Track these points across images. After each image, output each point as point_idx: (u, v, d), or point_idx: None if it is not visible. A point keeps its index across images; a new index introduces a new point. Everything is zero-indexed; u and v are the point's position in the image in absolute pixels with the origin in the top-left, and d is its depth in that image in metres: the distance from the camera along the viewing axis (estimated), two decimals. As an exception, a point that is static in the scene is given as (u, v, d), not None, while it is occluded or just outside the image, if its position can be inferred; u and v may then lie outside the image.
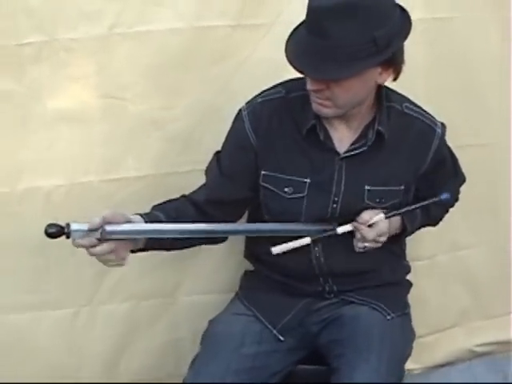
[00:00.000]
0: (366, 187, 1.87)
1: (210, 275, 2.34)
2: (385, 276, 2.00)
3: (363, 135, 1.85)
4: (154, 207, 1.82)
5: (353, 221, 1.86)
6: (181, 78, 2.11)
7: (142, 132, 2.13)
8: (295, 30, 1.77)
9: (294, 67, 1.71)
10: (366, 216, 1.83)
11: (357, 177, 1.86)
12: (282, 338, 1.91)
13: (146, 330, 2.32)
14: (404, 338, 1.93)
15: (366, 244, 1.85)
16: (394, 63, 1.72)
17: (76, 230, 1.59)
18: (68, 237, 1.59)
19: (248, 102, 1.90)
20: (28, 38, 1.95)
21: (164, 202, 1.86)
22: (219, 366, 1.79)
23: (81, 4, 1.97)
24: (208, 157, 2.15)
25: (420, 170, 1.92)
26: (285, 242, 1.84)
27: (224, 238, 1.94)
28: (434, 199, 1.89)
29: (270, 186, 1.87)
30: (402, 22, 1.71)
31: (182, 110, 2.14)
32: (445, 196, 1.89)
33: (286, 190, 1.86)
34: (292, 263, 1.90)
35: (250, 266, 2.15)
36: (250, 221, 2.02)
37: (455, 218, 2.27)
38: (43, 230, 1.58)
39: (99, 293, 2.23)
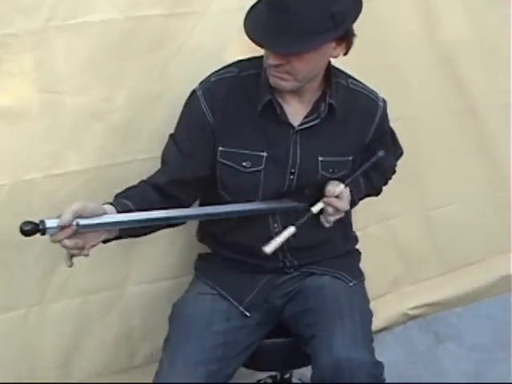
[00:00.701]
0: (320, 158, 1.92)
1: (156, 263, 2.31)
2: (339, 247, 2.06)
3: (315, 109, 1.91)
4: (118, 195, 1.79)
5: (316, 197, 1.90)
6: (118, 68, 2.06)
7: (82, 125, 2.06)
8: (253, 7, 1.81)
9: (256, 42, 1.75)
10: (332, 189, 1.88)
11: (310, 148, 1.91)
12: (248, 314, 1.93)
13: (98, 325, 2.27)
14: (367, 303, 1.99)
15: (337, 216, 1.90)
16: (347, 38, 1.77)
17: (51, 227, 1.55)
18: (43, 233, 1.55)
19: (201, 82, 1.92)
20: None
21: (126, 190, 1.83)
22: (193, 345, 1.80)
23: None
24: (148, 146, 2.16)
25: (364, 141, 2.00)
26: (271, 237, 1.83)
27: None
28: (373, 158, 1.94)
29: (228, 162, 1.89)
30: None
31: (121, 100, 2.09)
32: (381, 153, 1.95)
33: (244, 164, 1.88)
34: (252, 241, 1.90)
35: (201, 249, 2.15)
36: (203, 199, 2.00)
37: (384, 189, 2.32)
38: (18, 228, 1.53)
39: (48, 291, 2.16)
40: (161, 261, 2.31)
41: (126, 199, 1.75)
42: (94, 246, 1.67)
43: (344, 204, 1.90)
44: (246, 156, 1.89)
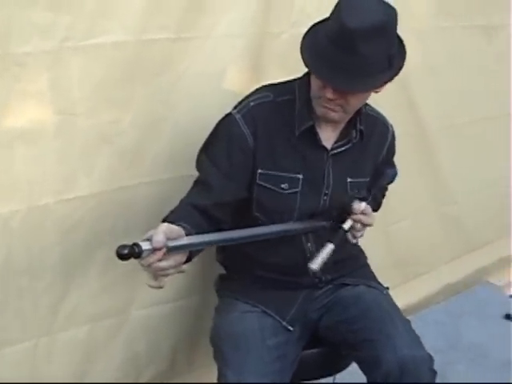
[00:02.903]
0: (348, 180, 1.92)
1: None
2: (360, 259, 2.07)
3: (345, 134, 1.90)
4: (171, 218, 1.66)
5: (340, 215, 1.85)
6: (127, 91, 1.92)
7: (92, 148, 1.91)
8: (310, 37, 1.76)
9: (321, 79, 1.71)
10: (357, 207, 1.83)
11: (341, 171, 1.91)
12: (291, 329, 1.88)
13: (104, 351, 2.11)
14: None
15: (363, 232, 1.86)
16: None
17: (146, 250, 1.44)
18: (138, 256, 1.45)
19: (237, 106, 1.86)
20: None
21: (174, 212, 1.71)
22: (255, 359, 1.75)
23: (32, 17, 1.71)
24: (153, 169, 2.05)
25: (378, 163, 2.00)
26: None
27: None
28: (387, 178, 1.97)
29: (266, 184, 1.84)
30: (400, 41, 1.78)
31: (128, 123, 1.96)
32: (393, 171, 1.98)
33: (282, 186, 1.85)
34: (287, 260, 1.87)
35: (208, 270, 2.09)
36: (235, 220, 1.86)
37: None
38: (116, 251, 1.43)
39: (57, 321, 1.97)
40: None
41: (183, 222, 1.61)
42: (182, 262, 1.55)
43: (370, 219, 1.86)
44: (284, 178, 1.85)
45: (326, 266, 1.85)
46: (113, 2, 1.83)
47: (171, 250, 1.51)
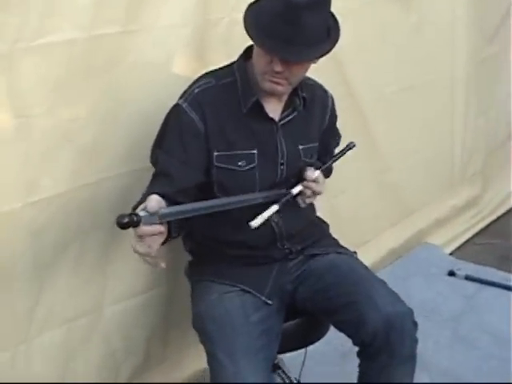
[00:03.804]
0: (300, 146, 1.98)
1: (128, 280, 2.15)
2: (323, 228, 2.13)
3: (289, 103, 1.95)
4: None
5: (297, 182, 1.93)
6: (81, 87, 1.89)
7: (53, 148, 1.88)
8: (251, 14, 1.80)
9: (267, 51, 1.75)
10: (311, 174, 1.91)
11: (292, 139, 1.97)
12: (270, 302, 1.90)
13: (82, 350, 2.09)
14: None
15: (313, 199, 1.95)
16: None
17: (144, 216, 1.53)
18: (137, 225, 1.52)
19: (182, 95, 1.88)
20: None
21: (139, 204, 1.69)
22: (242, 337, 1.77)
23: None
24: (113, 163, 2.03)
25: (323, 128, 2.07)
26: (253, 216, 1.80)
27: None
28: (346, 148, 2.06)
29: (224, 165, 1.87)
30: (333, 16, 1.85)
31: (85, 119, 1.93)
32: (352, 144, 2.06)
33: (239, 163, 1.88)
34: (255, 235, 1.86)
35: (180, 258, 2.09)
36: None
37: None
38: (116, 221, 1.48)
39: (33, 326, 1.94)
40: (132, 277, 2.15)
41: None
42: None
43: (321, 188, 1.94)
44: (240, 156, 1.88)
45: (289, 236, 1.95)
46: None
47: (164, 217, 1.58)
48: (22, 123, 1.79)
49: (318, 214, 2.16)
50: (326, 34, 1.78)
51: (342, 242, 2.18)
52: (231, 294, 1.89)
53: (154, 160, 1.88)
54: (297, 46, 1.72)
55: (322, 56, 1.80)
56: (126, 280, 2.14)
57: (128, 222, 1.49)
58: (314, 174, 1.92)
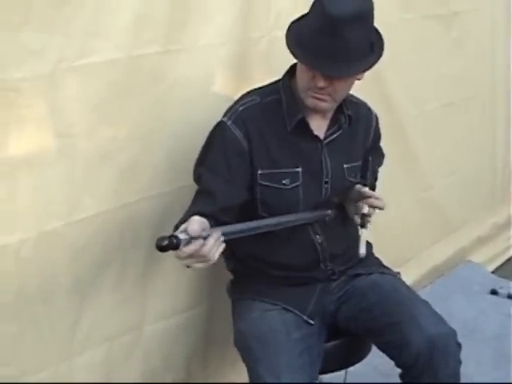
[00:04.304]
0: (345, 165, 1.95)
1: (169, 298, 2.13)
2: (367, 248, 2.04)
3: (334, 121, 1.93)
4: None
5: (343, 201, 1.95)
6: (122, 107, 1.89)
7: (94, 167, 1.87)
8: (293, 30, 1.79)
9: (311, 67, 1.73)
10: (369, 192, 1.89)
11: (336, 158, 1.93)
12: (312, 322, 1.88)
13: (122, 368, 2.07)
14: None
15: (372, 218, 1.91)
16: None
17: (184, 239, 1.47)
18: (177, 247, 1.46)
19: (226, 113, 1.86)
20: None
21: (181, 222, 1.64)
22: (286, 354, 1.76)
23: (25, 40, 1.66)
24: (152, 183, 2.02)
25: (366, 147, 2.04)
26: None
27: None
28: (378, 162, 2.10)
29: (268, 183, 1.85)
30: (377, 31, 1.83)
31: (126, 139, 1.93)
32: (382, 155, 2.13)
33: (284, 182, 1.86)
34: (299, 257, 1.87)
35: (212, 277, 2.10)
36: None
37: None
38: (155, 244, 1.44)
39: (74, 344, 1.93)
40: (172, 296, 2.14)
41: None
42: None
43: (382, 202, 1.90)
44: (284, 174, 1.86)
45: (333, 257, 1.93)
46: (102, 20, 1.80)
47: (206, 238, 1.53)
48: (63, 143, 1.79)
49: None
50: (369, 49, 1.76)
51: (383, 260, 2.15)
52: (273, 311, 1.87)
53: (197, 178, 1.86)
54: (339, 61, 1.70)
55: (365, 71, 1.79)
56: (166, 298, 2.12)
57: (168, 244, 1.45)
58: (367, 190, 1.90)
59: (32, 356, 1.85)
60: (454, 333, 1.82)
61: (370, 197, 1.87)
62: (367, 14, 1.74)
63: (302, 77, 1.80)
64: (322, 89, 1.75)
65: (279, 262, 1.90)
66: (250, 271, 1.96)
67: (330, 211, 1.92)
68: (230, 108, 1.88)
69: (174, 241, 1.46)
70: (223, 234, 1.55)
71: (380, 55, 1.79)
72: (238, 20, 2.13)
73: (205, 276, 2.18)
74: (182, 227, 1.51)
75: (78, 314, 1.92)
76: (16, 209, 1.74)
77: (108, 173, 1.92)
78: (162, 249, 1.45)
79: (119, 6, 1.84)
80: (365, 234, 1.85)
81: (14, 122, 1.71)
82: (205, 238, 1.51)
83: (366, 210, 1.86)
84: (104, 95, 1.86)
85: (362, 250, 1.82)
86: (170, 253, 1.56)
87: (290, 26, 1.82)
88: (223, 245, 1.55)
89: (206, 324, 2.27)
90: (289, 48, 1.76)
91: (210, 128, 1.89)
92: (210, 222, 1.65)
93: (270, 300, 1.89)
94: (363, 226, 1.85)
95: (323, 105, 1.81)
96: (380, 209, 1.89)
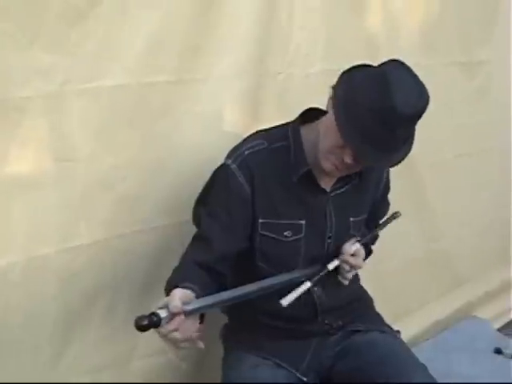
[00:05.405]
0: (351, 219, 1.85)
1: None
2: (366, 302, 2.00)
3: (344, 175, 1.80)
4: (176, 279, 1.57)
5: (335, 257, 1.82)
6: (127, 135, 1.84)
7: (93, 194, 1.81)
8: (352, 109, 1.59)
9: (356, 154, 1.62)
10: (349, 248, 1.80)
11: (342, 211, 1.83)
12: (305, 379, 1.79)
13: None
14: None
15: (353, 273, 1.83)
16: None
17: (164, 317, 1.37)
18: (157, 325, 1.37)
19: (231, 155, 1.77)
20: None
21: (178, 272, 1.64)
22: None
23: (31, 59, 1.62)
24: (153, 215, 1.95)
25: (375, 198, 1.95)
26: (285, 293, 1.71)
27: None
28: (391, 219, 1.98)
29: (269, 234, 1.76)
30: None
31: (128, 168, 1.87)
32: (398, 214, 1.99)
33: (285, 233, 1.77)
34: (296, 308, 1.76)
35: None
36: (236, 271, 1.79)
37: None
38: (134, 323, 1.36)
39: (56, 375, 1.84)
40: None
41: (189, 283, 1.52)
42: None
43: (359, 261, 1.82)
44: (286, 226, 1.77)
45: (331, 310, 1.84)
46: (114, 44, 1.75)
47: (188, 314, 1.44)
48: (63, 167, 1.74)
49: (362, 278, 2.04)
50: (402, 142, 1.66)
51: (385, 310, 2.06)
52: (264, 367, 1.79)
53: (196, 220, 1.80)
54: (384, 153, 1.62)
55: (398, 163, 1.69)
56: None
57: (148, 324, 1.37)
58: (351, 247, 1.81)
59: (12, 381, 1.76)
60: None
61: (347, 254, 1.79)
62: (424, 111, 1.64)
63: (331, 141, 1.66)
64: (346, 164, 1.65)
65: (275, 313, 1.80)
66: (245, 319, 1.88)
67: (319, 266, 1.81)
68: (236, 149, 1.78)
69: (154, 319, 1.38)
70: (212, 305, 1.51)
71: (409, 150, 1.70)
72: (255, 53, 2.06)
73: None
74: (164, 301, 1.42)
75: (62, 344, 1.85)
76: (7, 230, 1.69)
77: (106, 201, 1.85)
78: (141, 328, 1.37)
79: (133, 31, 1.78)
80: (301, 288, 1.72)
81: (15, 142, 1.66)
82: (188, 314, 1.42)
83: (331, 266, 1.79)
84: (109, 121, 1.80)
85: (284, 302, 1.69)
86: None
87: (340, 81, 1.66)
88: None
89: (197, 364, 2.17)
90: (338, 122, 1.61)
91: (216, 165, 1.80)
92: (205, 272, 1.62)
93: (263, 353, 1.81)
94: (311, 279, 1.75)
95: (338, 174, 1.73)
96: (355, 267, 1.81)
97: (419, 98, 1.58)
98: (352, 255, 1.81)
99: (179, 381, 2.18)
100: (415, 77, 1.61)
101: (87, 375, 1.92)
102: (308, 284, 1.74)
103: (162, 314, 1.39)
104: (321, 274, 1.77)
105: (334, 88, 1.65)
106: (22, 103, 1.63)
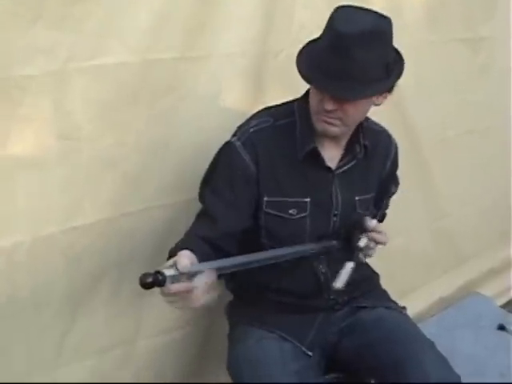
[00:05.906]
0: (356, 198, 1.83)
1: (166, 312, 2.00)
2: (373, 279, 1.99)
3: (349, 150, 1.81)
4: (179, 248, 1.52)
5: (347, 233, 1.80)
6: (131, 113, 1.81)
7: (97, 173, 1.80)
8: (305, 50, 1.68)
9: (316, 87, 1.63)
10: (372, 224, 1.77)
11: (348, 189, 1.81)
12: (310, 354, 1.79)
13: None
14: None
15: (374, 251, 1.81)
16: (392, 88, 1.70)
17: (170, 276, 1.34)
18: (162, 284, 1.33)
19: (236, 133, 1.76)
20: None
21: (182, 243, 1.60)
22: None
23: (34, 37, 1.58)
24: (158, 193, 1.93)
25: (382, 177, 1.92)
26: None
27: None
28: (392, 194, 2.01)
29: (274, 212, 1.75)
30: (397, 52, 1.71)
31: (132, 146, 1.84)
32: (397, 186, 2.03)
33: (290, 211, 1.75)
34: (301, 285, 1.79)
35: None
36: (241, 248, 1.73)
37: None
38: (139, 280, 1.32)
39: (63, 354, 1.85)
40: (168, 312, 1.97)
41: (193, 253, 1.48)
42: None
43: (385, 237, 1.80)
44: (291, 204, 1.76)
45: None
46: (117, 20, 1.71)
47: (194, 276, 1.42)
48: (66, 146, 1.72)
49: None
50: (383, 72, 1.63)
51: (390, 287, 2.05)
52: (270, 340, 1.78)
53: (202, 198, 1.77)
54: (348, 83, 1.58)
55: (375, 94, 1.66)
56: (162, 314, 2.02)
57: (152, 281, 1.34)
58: (372, 222, 1.78)
59: (19, 362, 1.78)
60: (458, 379, 1.72)
61: (372, 230, 1.76)
62: (382, 33, 1.61)
63: (313, 99, 1.69)
64: (330, 112, 1.64)
65: (280, 289, 1.81)
66: (250, 295, 1.88)
67: (335, 242, 1.81)
68: (241, 127, 1.77)
69: (160, 277, 1.35)
70: (218, 269, 1.46)
71: (397, 79, 1.67)
72: (258, 30, 2.03)
73: (204, 293, 2.08)
74: (171, 261, 1.40)
75: (69, 323, 1.85)
76: (12, 211, 1.68)
77: (111, 180, 1.83)
78: (145, 286, 1.34)
79: (136, 7, 1.75)
80: (347, 268, 1.72)
81: (17, 121, 1.64)
82: (193, 275, 1.39)
83: (362, 243, 1.76)
84: (113, 99, 1.77)
85: (338, 284, 1.70)
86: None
87: (304, 46, 1.71)
88: (214, 291, 1.44)
89: (201, 344, 2.18)
90: (297, 67, 1.65)
91: (221, 143, 1.78)
92: (209, 247, 1.60)
93: (268, 327, 1.80)
94: (351, 259, 1.74)
95: (333, 129, 1.69)
96: (382, 244, 1.79)
97: (361, 19, 1.59)
98: (376, 231, 1.78)
99: (181, 363, 2.19)
100: (362, 7, 1.64)
101: (94, 355, 1.92)
102: (351, 264, 1.73)
103: (168, 272, 1.37)
104: (357, 252, 1.76)
105: None
106: (24, 81, 1.60)
